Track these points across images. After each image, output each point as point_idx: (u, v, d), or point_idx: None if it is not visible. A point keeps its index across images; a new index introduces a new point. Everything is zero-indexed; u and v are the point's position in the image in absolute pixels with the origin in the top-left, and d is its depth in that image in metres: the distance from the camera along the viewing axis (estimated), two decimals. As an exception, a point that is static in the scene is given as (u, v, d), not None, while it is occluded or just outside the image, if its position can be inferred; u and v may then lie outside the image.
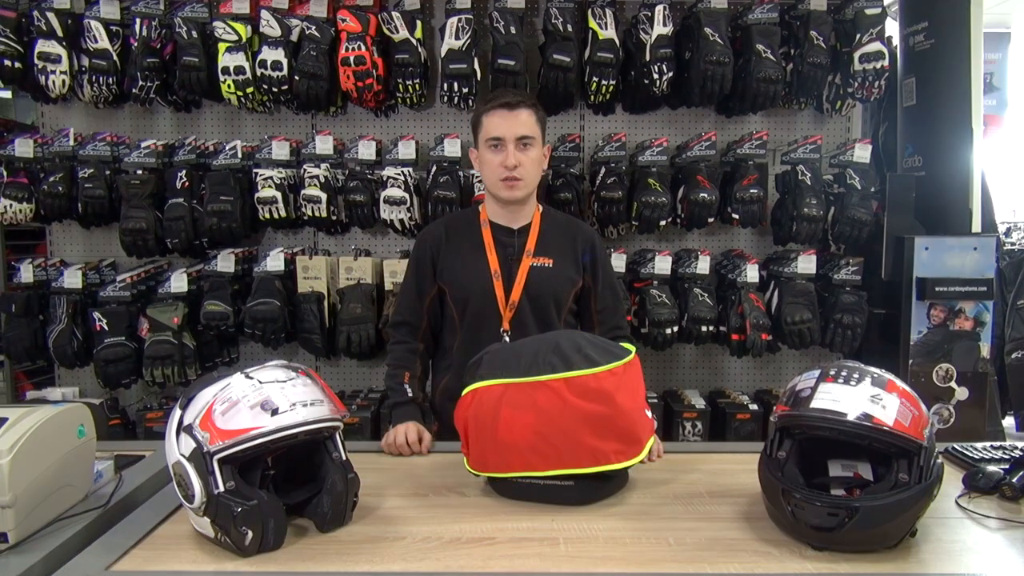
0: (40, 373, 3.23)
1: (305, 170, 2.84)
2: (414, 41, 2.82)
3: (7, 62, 2.76)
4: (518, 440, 1.38)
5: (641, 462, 1.45)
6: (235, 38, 2.76)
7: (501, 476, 1.44)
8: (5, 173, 2.84)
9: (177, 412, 1.26)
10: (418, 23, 2.84)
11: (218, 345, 3.02)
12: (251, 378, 1.26)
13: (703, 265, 2.92)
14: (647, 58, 2.78)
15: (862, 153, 2.89)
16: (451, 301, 1.96)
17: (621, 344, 1.50)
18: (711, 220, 2.91)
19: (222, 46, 2.75)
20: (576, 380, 1.37)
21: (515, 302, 1.90)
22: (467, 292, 1.93)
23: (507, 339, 1.87)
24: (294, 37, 2.79)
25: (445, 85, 2.79)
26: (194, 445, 1.19)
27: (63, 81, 2.78)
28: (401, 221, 2.87)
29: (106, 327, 2.84)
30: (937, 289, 2.72)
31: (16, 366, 3.19)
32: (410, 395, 1.92)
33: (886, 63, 2.85)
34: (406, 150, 2.87)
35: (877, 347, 2.94)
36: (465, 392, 1.47)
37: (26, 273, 2.92)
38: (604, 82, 2.80)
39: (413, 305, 1.99)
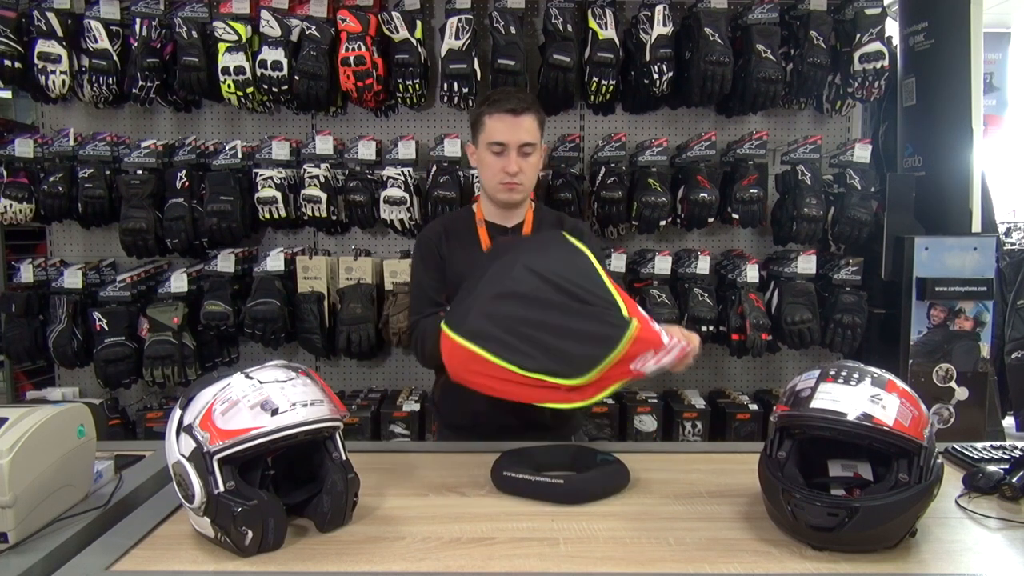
0: (40, 373, 3.23)
1: (305, 170, 2.84)
2: (414, 41, 2.82)
3: (7, 62, 2.76)
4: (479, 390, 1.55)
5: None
6: (235, 38, 2.76)
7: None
8: (5, 173, 2.84)
9: (177, 412, 1.26)
10: (418, 23, 2.85)
11: (218, 345, 3.01)
12: (251, 378, 1.26)
13: (703, 265, 2.92)
14: (647, 58, 2.78)
15: (862, 153, 2.89)
16: (450, 301, 1.95)
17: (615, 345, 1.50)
18: (711, 220, 2.91)
19: (222, 46, 2.75)
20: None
21: None
22: None
23: None
24: (294, 37, 2.79)
25: (445, 85, 2.79)
26: (194, 445, 1.19)
27: (63, 81, 2.78)
28: (401, 221, 2.87)
29: (106, 327, 2.84)
30: (937, 289, 2.72)
31: (16, 366, 3.19)
32: None
33: (886, 63, 2.85)
34: (406, 150, 2.87)
35: (877, 347, 2.94)
36: (443, 333, 1.57)
37: (26, 273, 2.92)
38: (604, 82, 2.80)
39: (434, 300, 1.93)
